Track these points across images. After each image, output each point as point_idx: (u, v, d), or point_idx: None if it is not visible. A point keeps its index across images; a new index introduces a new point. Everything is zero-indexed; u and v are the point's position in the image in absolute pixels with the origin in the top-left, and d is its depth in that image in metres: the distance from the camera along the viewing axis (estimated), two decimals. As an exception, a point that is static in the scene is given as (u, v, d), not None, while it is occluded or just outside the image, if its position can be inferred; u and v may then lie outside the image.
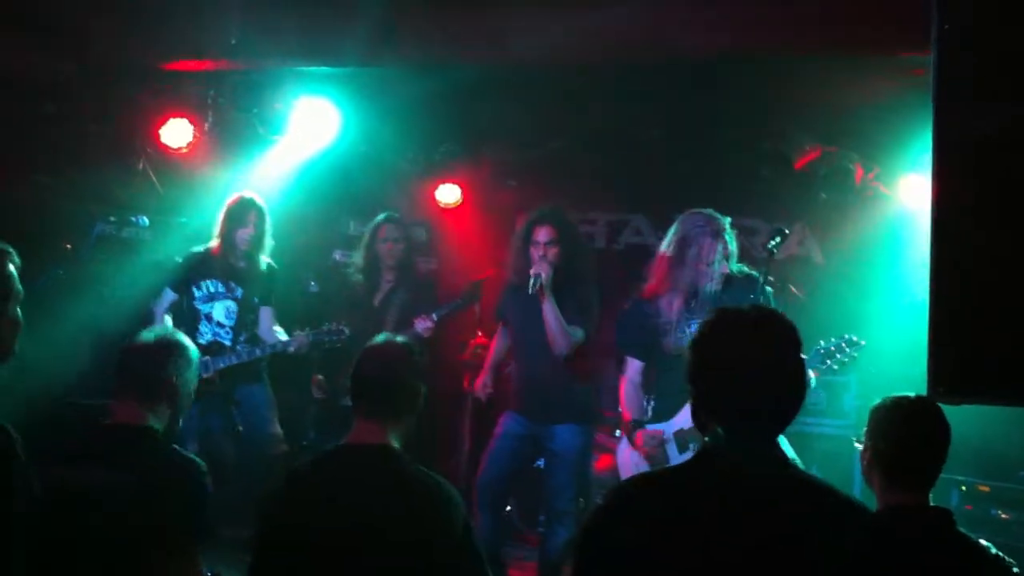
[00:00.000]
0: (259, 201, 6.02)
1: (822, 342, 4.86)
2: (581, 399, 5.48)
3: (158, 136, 6.65)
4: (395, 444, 3.24)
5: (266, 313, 6.07)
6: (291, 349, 5.88)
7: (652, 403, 5.19)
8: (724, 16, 5.43)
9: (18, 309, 2.56)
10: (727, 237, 4.94)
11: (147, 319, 5.86)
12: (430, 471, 3.24)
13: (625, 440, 5.08)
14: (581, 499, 5.67)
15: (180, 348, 3.51)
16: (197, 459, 3.41)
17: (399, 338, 3.48)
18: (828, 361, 4.84)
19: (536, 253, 5.34)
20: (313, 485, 3.20)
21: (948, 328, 2.91)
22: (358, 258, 6.42)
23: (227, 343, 5.93)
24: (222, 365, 5.82)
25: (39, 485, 2.50)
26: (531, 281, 5.23)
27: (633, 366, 5.15)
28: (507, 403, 5.64)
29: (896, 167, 6.79)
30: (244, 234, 5.93)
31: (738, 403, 2.26)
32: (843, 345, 4.84)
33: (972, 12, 2.88)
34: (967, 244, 2.83)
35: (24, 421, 2.62)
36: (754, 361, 2.26)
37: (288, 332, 6.04)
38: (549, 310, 5.26)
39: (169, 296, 5.98)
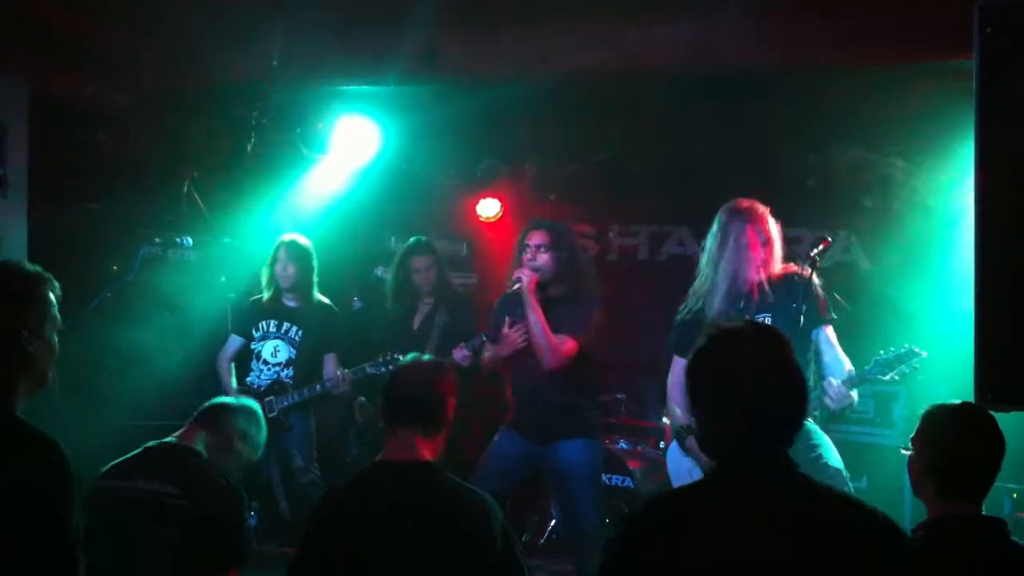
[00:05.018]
0: (300, 241, 6.09)
1: (882, 352, 4.51)
2: (584, 412, 5.26)
3: (203, 158, 6.75)
4: (430, 459, 3.26)
5: (330, 359, 6.09)
6: (336, 390, 5.92)
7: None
8: (769, 29, 5.42)
9: (55, 336, 2.56)
10: (767, 225, 4.65)
11: (213, 364, 6.18)
12: (469, 485, 3.26)
13: (675, 445, 4.89)
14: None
15: (255, 417, 4.03)
16: (237, 485, 3.67)
17: (426, 356, 3.55)
18: (889, 372, 4.48)
19: (525, 258, 5.18)
20: (351, 503, 3.22)
21: (995, 335, 2.89)
22: (389, 285, 6.33)
23: (271, 379, 6.03)
24: (285, 404, 5.97)
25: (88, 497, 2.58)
26: (512, 283, 5.12)
27: (680, 365, 4.84)
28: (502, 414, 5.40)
29: (942, 173, 6.72)
30: (284, 274, 6.05)
31: (743, 416, 2.26)
32: (904, 355, 4.47)
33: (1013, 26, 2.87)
34: (1012, 252, 2.81)
35: (83, 443, 2.68)
36: (752, 371, 2.27)
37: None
38: (531, 315, 5.05)
39: (236, 341, 6.16)
